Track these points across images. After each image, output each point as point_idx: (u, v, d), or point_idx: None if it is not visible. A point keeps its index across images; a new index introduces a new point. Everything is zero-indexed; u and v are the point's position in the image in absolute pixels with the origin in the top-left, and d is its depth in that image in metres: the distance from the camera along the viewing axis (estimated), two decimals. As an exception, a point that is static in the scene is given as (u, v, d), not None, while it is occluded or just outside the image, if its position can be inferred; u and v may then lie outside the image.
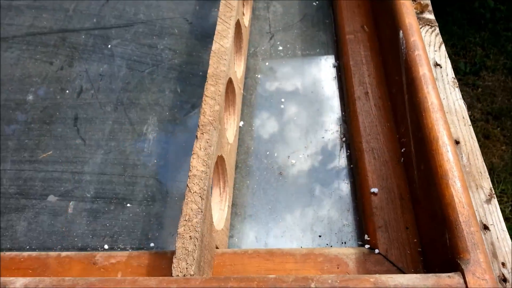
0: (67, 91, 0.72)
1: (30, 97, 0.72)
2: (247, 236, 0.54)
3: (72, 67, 0.75)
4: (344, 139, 0.61)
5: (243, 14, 0.74)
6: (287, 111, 0.66)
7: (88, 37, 0.79)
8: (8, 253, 0.50)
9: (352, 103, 0.58)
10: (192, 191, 0.44)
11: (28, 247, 0.55)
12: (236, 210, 0.57)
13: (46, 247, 0.55)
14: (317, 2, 0.80)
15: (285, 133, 0.63)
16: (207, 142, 0.47)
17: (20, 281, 0.39)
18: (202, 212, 0.43)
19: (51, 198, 0.59)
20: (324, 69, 0.70)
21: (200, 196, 0.44)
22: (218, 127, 0.50)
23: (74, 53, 0.77)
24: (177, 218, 0.52)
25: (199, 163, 0.46)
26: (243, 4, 0.75)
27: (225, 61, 0.55)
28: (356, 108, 0.57)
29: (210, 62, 0.55)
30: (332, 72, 0.70)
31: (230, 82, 0.58)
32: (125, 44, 0.77)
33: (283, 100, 0.67)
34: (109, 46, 0.77)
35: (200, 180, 0.45)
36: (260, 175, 0.59)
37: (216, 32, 0.58)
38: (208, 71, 0.54)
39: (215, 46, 0.57)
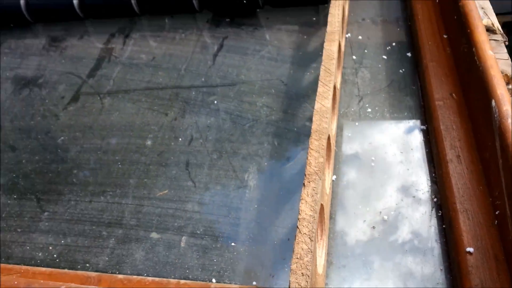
0: (180, 139, 0.83)
1: (149, 142, 0.83)
2: (341, 285, 0.59)
3: (184, 118, 0.87)
4: (435, 199, 0.65)
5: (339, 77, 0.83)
6: (377, 169, 0.71)
7: (198, 93, 0.91)
8: (135, 276, 0.59)
9: (445, 166, 0.62)
10: (302, 233, 0.50)
11: (145, 274, 0.64)
12: (330, 258, 0.62)
13: (161, 276, 0.63)
14: (403, 70, 0.86)
15: (376, 189, 0.68)
16: (314, 189, 0.54)
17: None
18: (311, 252, 0.49)
19: (165, 232, 0.68)
20: (412, 132, 0.75)
21: (309, 238, 0.50)
22: (322, 177, 0.56)
23: (186, 106, 0.89)
24: (276, 260, 0.59)
25: (307, 208, 0.52)
26: (339, 68, 0.83)
27: (326, 119, 0.63)
28: (449, 170, 0.61)
29: (314, 119, 0.63)
30: (420, 135, 0.75)
31: (329, 138, 0.65)
32: (229, 101, 0.88)
33: (373, 158, 0.73)
34: (215, 102, 0.88)
35: (309, 223, 0.51)
36: (353, 228, 0.64)
37: (318, 94, 0.66)
38: (312, 127, 0.61)
39: (317, 106, 0.65)
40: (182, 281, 0.56)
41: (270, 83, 0.90)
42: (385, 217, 0.64)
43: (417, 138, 0.74)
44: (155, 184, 0.76)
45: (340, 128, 0.79)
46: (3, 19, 1.21)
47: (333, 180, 0.70)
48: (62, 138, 0.88)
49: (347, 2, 0.98)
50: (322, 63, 0.71)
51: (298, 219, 0.51)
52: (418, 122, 0.77)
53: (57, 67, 1.07)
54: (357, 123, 0.79)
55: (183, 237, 0.67)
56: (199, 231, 0.67)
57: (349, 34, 0.97)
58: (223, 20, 1.09)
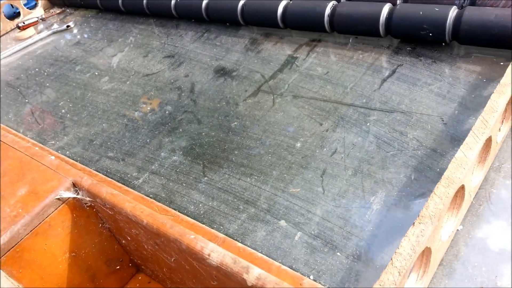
0: (325, 149, 0.91)
1: (298, 144, 0.94)
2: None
3: (335, 132, 0.94)
4: None
5: (499, 130, 0.78)
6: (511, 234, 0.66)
7: (355, 112, 0.98)
8: (249, 248, 0.71)
9: None
10: (393, 265, 0.53)
11: (260, 250, 0.75)
12: (426, 300, 0.62)
13: (270, 256, 0.73)
14: None
15: (502, 252, 0.64)
16: (421, 231, 0.56)
17: (256, 270, 0.56)
18: (395, 285, 0.52)
19: (286, 223, 0.78)
20: None
21: (398, 272, 0.53)
22: (436, 223, 0.57)
23: (340, 121, 0.96)
24: (371, 283, 0.62)
25: (407, 245, 0.55)
26: (502, 121, 0.79)
27: (463, 169, 0.62)
28: None
29: (449, 166, 0.63)
30: None
31: (462, 188, 0.64)
32: (381, 126, 0.92)
33: (510, 220, 0.68)
34: (368, 124, 0.93)
35: (404, 260, 0.53)
36: (461, 280, 0.63)
37: (464, 143, 0.66)
38: (445, 173, 0.62)
39: (458, 154, 0.64)
40: (284, 267, 0.66)
41: (429, 119, 0.90)
42: (499, 283, 0.60)
43: None
44: (291, 181, 0.86)
45: (486, 181, 0.75)
46: (223, 19, 1.49)
47: (458, 230, 0.69)
48: (235, 123, 1.06)
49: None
50: (482, 113, 0.70)
51: (395, 252, 0.55)
52: None
53: (249, 65, 1.27)
54: (507, 182, 0.74)
55: (299, 233, 0.76)
56: (314, 232, 0.75)
57: (537, 87, 0.88)
58: (404, 48, 1.12)
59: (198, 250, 0.59)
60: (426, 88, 0.97)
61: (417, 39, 1.10)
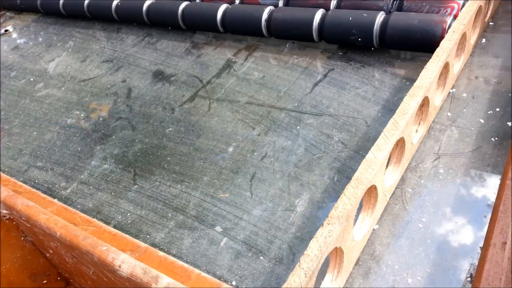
0: (255, 153, 0.92)
1: (230, 149, 0.95)
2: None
3: (266, 136, 0.95)
4: (469, 279, 0.61)
5: (416, 131, 0.81)
6: (425, 233, 0.69)
7: (286, 116, 0.99)
8: (171, 257, 0.70)
9: (485, 249, 0.58)
10: (300, 267, 0.54)
11: (185, 258, 0.75)
12: (342, 299, 0.63)
13: (196, 264, 0.73)
14: (496, 139, 0.80)
15: (413, 251, 0.67)
16: (329, 232, 0.57)
17: (165, 280, 0.56)
18: (301, 286, 0.53)
19: (213, 229, 0.78)
20: (477, 205, 0.71)
21: (305, 274, 0.54)
22: (344, 223, 0.59)
23: (272, 125, 0.98)
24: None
25: (315, 247, 0.56)
26: (419, 123, 0.82)
27: (372, 170, 0.64)
28: (487, 254, 0.57)
29: (360, 167, 0.65)
30: (486, 210, 0.70)
31: (374, 188, 0.67)
32: (309, 129, 0.94)
33: (424, 220, 0.71)
34: (298, 127, 0.95)
35: (310, 261, 0.55)
36: (375, 280, 0.65)
37: (375, 144, 0.68)
38: (354, 174, 0.64)
39: (369, 156, 0.67)
40: (204, 274, 0.65)
41: (354, 121, 0.92)
42: (409, 280, 0.63)
43: (481, 212, 0.69)
44: (221, 186, 0.86)
45: (403, 181, 0.78)
46: (164, 22, 1.48)
47: (374, 229, 0.71)
48: (170, 129, 1.05)
49: (461, 58, 0.94)
50: (394, 115, 0.73)
51: (303, 254, 0.56)
52: (489, 198, 0.72)
53: (188, 70, 1.26)
54: (422, 181, 0.77)
55: (225, 238, 0.76)
56: (239, 237, 0.75)
57: (454, 90, 0.93)
58: (337, 53, 1.15)
59: (109, 262, 0.58)
60: (354, 92, 1.00)
61: (348, 44, 1.13)
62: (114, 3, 1.58)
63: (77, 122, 1.16)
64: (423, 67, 1.01)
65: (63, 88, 1.33)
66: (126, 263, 0.57)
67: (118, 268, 0.57)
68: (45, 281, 0.86)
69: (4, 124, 1.24)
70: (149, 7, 1.49)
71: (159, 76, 1.27)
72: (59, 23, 1.78)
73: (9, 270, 0.80)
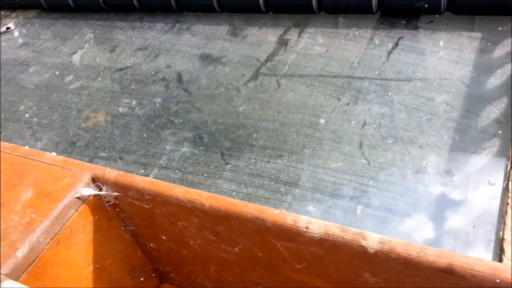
0: (353, 122, 0.86)
1: (322, 121, 0.89)
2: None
3: (357, 104, 0.90)
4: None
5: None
6: None
7: (371, 85, 0.94)
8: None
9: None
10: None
11: (319, 230, 0.68)
12: None
13: (335, 235, 0.66)
14: None
15: None
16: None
17: (374, 235, 0.49)
18: None
19: (341, 199, 0.72)
20: None
21: None
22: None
23: (359, 94, 0.93)
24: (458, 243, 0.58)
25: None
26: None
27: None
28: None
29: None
30: None
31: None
32: (404, 94, 0.90)
33: None
34: (389, 93, 0.91)
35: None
36: None
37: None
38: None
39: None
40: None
41: (450, 83, 0.89)
42: None
43: None
44: (328, 156, 0.80)
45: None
46: (196, 7, 1.40)
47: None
48: (242, 107, 0.98)
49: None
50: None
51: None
52: None
53: (238, 51, 1.19)
54: (551, 131, 0.74)
55: (359, 206, 0.70)
56: (375, 204, 0.70)
57: (541, 46, 0.92)
58: (399, 22, 1.12)
59: (290, 225, 0.51)
60: (435, 56, 0.97)
61: (411, 12, 1.10)
62: (135, -9, 1.49)
63: (131, 109, 1.07)
64: (499, 29, 1.00)
65: (99, 79, 1.22)
66: (314, 223, 0.50)
67: (305, 230, 0.50)
68: (142, 279, 0.77)
69: (42, 119, 1.12)
70: (178, -8, 1.41)
71: (207, 59, 1.19)
72: (68, 18, 1.66)
73: (112, 265, 0.70)
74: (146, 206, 0.64)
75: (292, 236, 0.52)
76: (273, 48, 1.16)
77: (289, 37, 1.19)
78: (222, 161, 0.85)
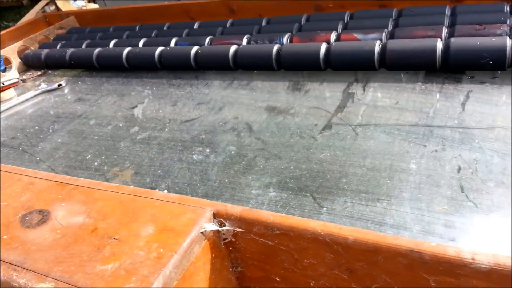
0: (446, 167, 0.86)
1: (413, 166, 0.88)
2: None
3: (445, 151, 0.91)
4: None
5: None
6: None
7: (454, 133, 0.96)
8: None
9: None
10: None
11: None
12: None
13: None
14: None
15: None
16: None
17: None
18: None
19: (454, 240, 0.70)
20: None
21: None
22: None
23: (444, 142, 0.93)
24: None
25: None
26: None
27: None
28: None
29: None
30: None
31: None
32: (491, 141, 0.90)
33: None
34: (476, 141, 0.92)
35: None
36: None
37: None
38: None
39: None
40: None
41: (536, 130, 0.90)
42: None
43: None
44: (431, 200, 0.79)
45: None
46: (255, 65, 1.46)
47: None
48: (324, 154, 0.98)
49: None
50: None
51: None
52: None
53: (304, 103, 1.22)
54: None
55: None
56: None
57: None
58: (463, 78, 1.16)
59: (452, 257, 0.48)
60: (510, 107, 1.00)
61: (475, 68, 1.15)
62: (193, 51, 1.56)
63: (206, 157, 1.07)
64: None
65: (166, 130, 1.24)
66: (479, 254, 0.48)
67: (470, 261, 0.47)
68: (242, 328, 0.72)
69: (113, 167, 1.11)
70: (236, 51, 1.48)
71: (274, 110, 1.22)
72: (121, 76, 1.73)
73: (221, 311, 0.66)
74: (269, 242, 0.61)
75: (453, 269, 0.49)
76: (339, 101, 1.19)
77: (353, 91, 1.23)
78: (316, 205, 0.84)
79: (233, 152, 1.07)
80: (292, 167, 0.96)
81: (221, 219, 0.63)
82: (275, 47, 1.41)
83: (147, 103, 1.44)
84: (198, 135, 1.18)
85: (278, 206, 0.86)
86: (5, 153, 1.30)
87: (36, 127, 1.43)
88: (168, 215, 0.64)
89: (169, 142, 1.17)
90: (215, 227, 0.62)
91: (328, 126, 1.09)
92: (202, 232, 0.61)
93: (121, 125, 1.33)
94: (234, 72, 1.53)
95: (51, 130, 1.38)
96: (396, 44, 1.24)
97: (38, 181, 0.80)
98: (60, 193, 0.75)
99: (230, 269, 0.69)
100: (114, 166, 1.11)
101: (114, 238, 0.62)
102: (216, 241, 0.64)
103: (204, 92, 1.43)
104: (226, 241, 0.65)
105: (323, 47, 1.33)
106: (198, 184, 0.97)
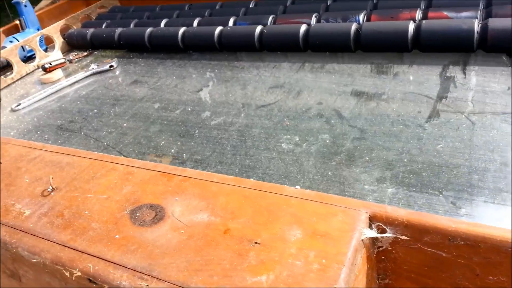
0: None
1: None
2: None
3: None
4: None
5: None
6: None
7: None
8: None
9: None
10: None
11: None
12: None
13: None
14: None
15: None
16: None
17: None
18: None
19: None
20: None
21: None
22: None
23: None
24: None
25: None
26: None
27: None
28: None
29: None
30: None
31: None
32: None
33: None
34: None
35: None
36: None
37: None
38: None
39: None
40: None
41: None
42: None
43: None
44: None
45: None
46: (329, 46, 1.34)
47: None
48: (440, 145, 0.87)
49: None
50: None
51: None
52: None
53: (397, 87, 1.10)
54: None
55: None
56: None
57: None
58: None
59: None
60: None
61: None
62: (258, 31, 1.45)
63: (297, 146, 0.96)
64: None
65: (242, 115, 1.14)
66: None
67: None
68: None
69: (193, 155, 1.02)
70: (307, 31, 1.36)
71: (363, 95, 1.10)
72: (176, 58, 1.62)
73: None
74: (444, 254, 0.51)
75: None
76: (439, 86, 1.07)
77: (452, 74, 1.10)
78: (451, 205, 0.73)
79: (327, 141, 0.96)
80: (405, 160, 0.85)
81: (379, 224, 0.52)
82: (353, 26, 1.28)
83: (212, 86, 1.34)
84: (280, 122, 1.07)
85: (403, 206, 0.75)
86: (66, 137, 1.21)
87: (95, 110, 1.34)
88: (313, 216, 0.54)
89: (249, 129, 1.07)
90: (375, 233, 0.52)
91: (435, 114, 0.97)
92: (362, 240, 0.51)
93: (189, 109, 1.23)
94: (302, 54, 1.41)
95: (112, 114, 1.29)
96: (500, 23, 1.10)
97: (137, 171, 0.70)
98: (168, 185, 0.65)
99: (376, 280, 0.58)
100: (194, 154, 1.01)
101: (256, 243, 0.52)
102: (370, 250, 0.54)
103: (274, 75, 1.32)
104: (380, 249, 0.55)
105: (412, 26, 1.20)
106: (298, 177, 0.87)
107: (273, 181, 0.88)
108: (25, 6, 2.04)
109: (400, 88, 1.10)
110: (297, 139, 0.99)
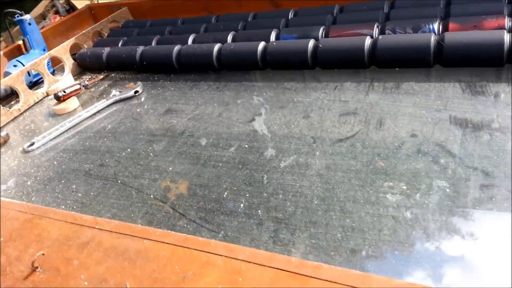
0: None
1: None
2: None
3: None
4: None
5: None
6: None
7: None
8: None
9: None
10: None
11: None
12: None
13: None
14: None
15: None
16: None
17: None
18: None
19: None
20: None
21: None
22: None
23: None
24: None
25: None
26: None
27: None
28: None
29: None
30: None
31: None
32: None
33: None
34: None
35: None
36: None
37: None
38: None
39: None
40: None
41: None
42: None
43: None
44: None
45: None
46: (401, 61, 1.14)
47: None
48: None
49: None
50: None
51: None
52: None
53: (506, 112, 0.91)
54: None
55: None
56: None
57: None
58: None
59: None
60: None
61: None
62: (311, 45, 1.24)
63: (406, 198, 0.76)
64: None
65: (317, 153, 0.93)
66: None
67: None
68: None
69: (269, 211, 0.81)
70: (374, 44, 1.16)
71: (467, 124, 0.91)
72: (209, 79, 1.42)
73: None
74: None
75: None
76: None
77: (482, 90, 0.91)
78: None
79: (447, 190, 0.75)
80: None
81: None
82: (432, 37, 1.09)
83: (266, 114, 1.13)
84: (371, 162, 0.86)
85: None
86: (100, 188, 1.00)
87: (128, 150, 1.12)
88: None
89: (333, 173, 0.86)
90: None
91: None
92: None
93: (246, 146, 1.02)
94: (364, 71, 1.21)
95: (151, 154, 1.08)
96: None
97: (246, 268, 0.49)
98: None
99: None
100: (272, 210, 0.81)
101: None
102: None
103: (340, 98, 1.11)
104: None
105: (508, 37, 1.01)
106: (428, 246, 0.66)
107: (395, 252, 0.67)
108: (29, 24, 1.82)
109: (508, 113, 0.90)
110: (404, 187, 0.78)
